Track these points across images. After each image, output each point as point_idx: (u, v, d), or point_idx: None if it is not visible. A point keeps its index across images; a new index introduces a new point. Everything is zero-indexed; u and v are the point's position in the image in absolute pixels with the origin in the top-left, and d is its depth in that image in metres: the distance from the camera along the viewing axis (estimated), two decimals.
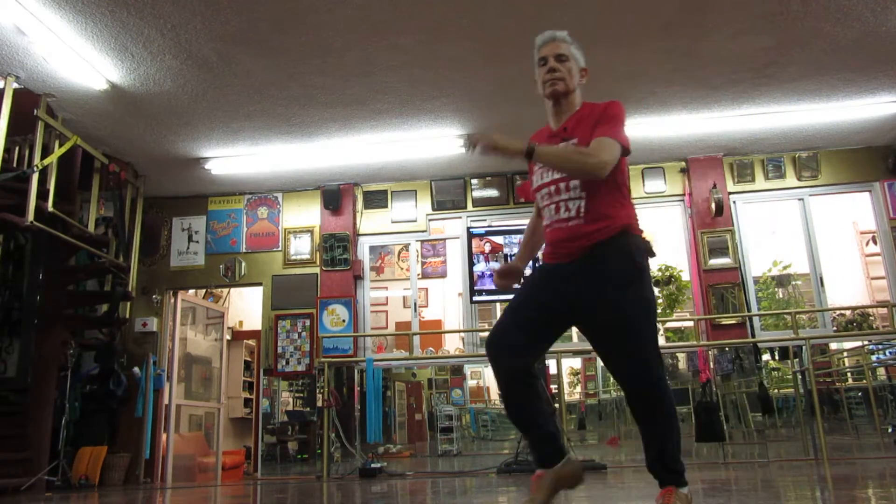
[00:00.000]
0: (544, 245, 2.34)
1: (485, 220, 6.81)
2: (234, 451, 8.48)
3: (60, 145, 5.21)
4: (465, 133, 2.17)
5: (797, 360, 5.96)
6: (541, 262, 2.35)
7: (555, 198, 2.21)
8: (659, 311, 7.65)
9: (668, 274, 7.73)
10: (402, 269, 9.38)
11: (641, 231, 2.24)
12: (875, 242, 7.18)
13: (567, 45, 2.33)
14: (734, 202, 6.62)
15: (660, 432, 2.08)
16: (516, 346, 2.16)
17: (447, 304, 9.41)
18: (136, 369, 6.37)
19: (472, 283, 5.59)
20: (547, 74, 2.28)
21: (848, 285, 8.24)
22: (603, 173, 2.07)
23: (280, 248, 6.90)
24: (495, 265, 5.57)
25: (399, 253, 9.32)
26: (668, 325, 8.43)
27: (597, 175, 2.08)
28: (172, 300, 6.95)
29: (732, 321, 6.25)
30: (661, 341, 8.55)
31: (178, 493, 4.97)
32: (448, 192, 6.89)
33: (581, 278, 2.14)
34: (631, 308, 2.09)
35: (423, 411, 10.52)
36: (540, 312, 2.19)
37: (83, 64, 4.60)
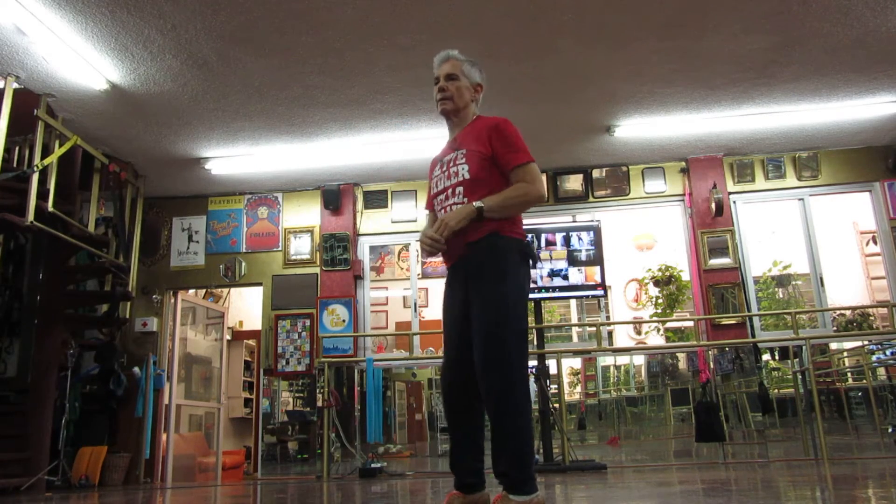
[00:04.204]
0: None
1: None
2: (234, 451, 8.48)
3: (60, 145, 5.20)
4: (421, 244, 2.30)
5: (797, 360, 5.96)
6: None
7: (444, 203, 2.42)
8: (659, 311, 7.70)
9: (668, 274, 7.74)
10: (402, 269, 9.39)
11: (523, 235, 2.35)
12: (875, 242, 7.18)
13: (459, 64, 2.47)
14: (734, 202, 6.62)
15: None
16: (466, 361, 2.27)
17: None
18: (136, 369, 6.37)
19: None
20: (437, 94, 2.46)
21: (848, 285, 8.25)
22: (545, 197, 2.38)
23: (280, 248, 6.90)
24: None
25: (399, 253, 9.32)
26: (669, 325, 8.43)
27: (542, 201, 2.34)
28: (172, 300, 6.95)
29: (732, 321, 6.25)
30: (661, 341, 8.57)
31: (178, 493, 4.96)
32: None
33: (461, 274, 2.32)
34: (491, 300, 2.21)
35: (423, 411, 10.53)
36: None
37: (83, 64, 4.60)
